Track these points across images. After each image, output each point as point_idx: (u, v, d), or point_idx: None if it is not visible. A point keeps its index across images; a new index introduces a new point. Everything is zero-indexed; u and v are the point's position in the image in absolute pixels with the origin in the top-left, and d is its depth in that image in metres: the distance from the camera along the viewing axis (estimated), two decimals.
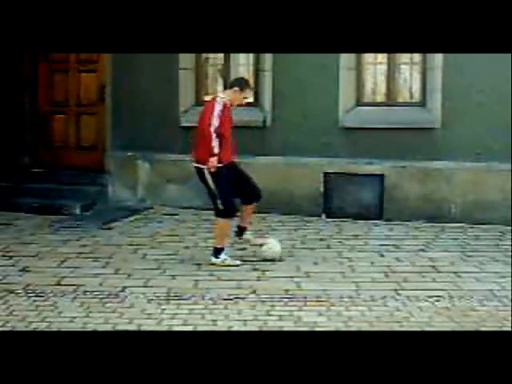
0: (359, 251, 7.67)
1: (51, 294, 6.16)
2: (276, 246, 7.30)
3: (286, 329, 5.36)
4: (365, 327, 5.41)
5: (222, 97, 7.07)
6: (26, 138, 10.66)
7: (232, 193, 7.12)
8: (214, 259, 7.05)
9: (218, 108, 6.90)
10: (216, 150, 6.86)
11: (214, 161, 6.88)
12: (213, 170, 6.90)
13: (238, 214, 7.32)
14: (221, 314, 5.69)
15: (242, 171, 7.33)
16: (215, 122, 6.84)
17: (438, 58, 8.90)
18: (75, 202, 9.63)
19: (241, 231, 7.40)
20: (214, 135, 6.84)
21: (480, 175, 8.91)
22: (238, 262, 7.06)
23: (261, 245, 7.32)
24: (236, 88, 7.09)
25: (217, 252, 7.06)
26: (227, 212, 7.03)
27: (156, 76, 9.80)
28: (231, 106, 7.08)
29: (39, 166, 10.54)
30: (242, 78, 7.55)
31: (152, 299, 6.04)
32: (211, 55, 9.92)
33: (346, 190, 9.26)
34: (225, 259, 7.04)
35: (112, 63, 9.93)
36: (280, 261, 7.23)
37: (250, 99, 7.28)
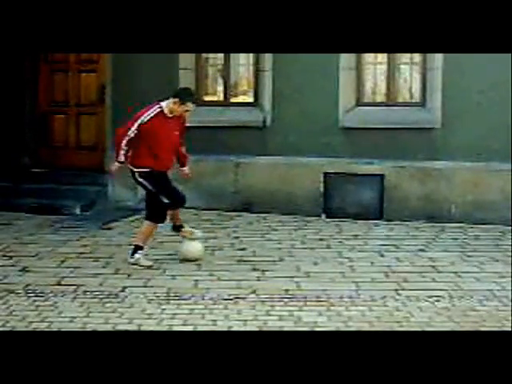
0: (359, 251, 7.67)
1: (51, 294, 6.16)
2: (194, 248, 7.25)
3: (286, 329, 5.36)
4: (365, 327, 5.41)
5: (159, 106, 6.89)
6: (26, 138, 10.66)
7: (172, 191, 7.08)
8: (129, 258, 7.09)
9: (144, 116, 6.82)
10: (121, 158, 6.88)
11: (113, 167, 7.02)
12: (112, 171, 7.06)
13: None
14: (221, 313, 5.69)
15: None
16: (131, 132, 6.80)
17: (438, 58, 8.90)
18: (75, 202, 9.63)
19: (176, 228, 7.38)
20: (123, 143, 6.85)
21: (480, 175, 8.91)
22: (151, 263, 7.04)
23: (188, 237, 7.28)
24: (176, 99, 6.89)
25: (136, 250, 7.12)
26: (173, 205, 7.08)
27: (156, 76, 9.80)
28: (171, 115, 6.91)
29: (39, 166, 10.54)
30: (187, 90, 7.32)
31: (152, 299, 6.04)
32: (211, 55, 9.92)
33: (346, 190, 9.26)
34: (138, 258, 7.05)
35: (112, 63, 9.93)
36: (281, 261, 7.25)
37: (192, 111, 6.94)
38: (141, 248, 7.13)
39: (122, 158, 6.91)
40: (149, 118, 6.85)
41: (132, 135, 6.83)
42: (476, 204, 8.91)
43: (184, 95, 6.99)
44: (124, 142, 6.86)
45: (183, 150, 7.30)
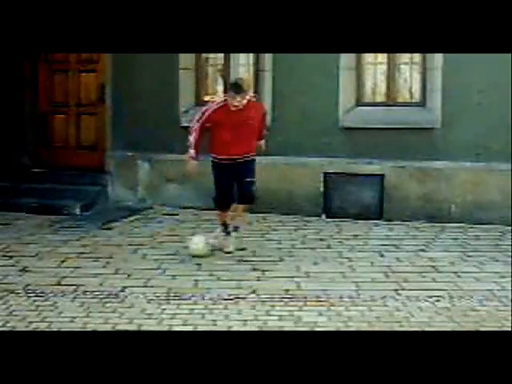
0: (359, 251, 7.67)
1: (51, 294, 6.16)
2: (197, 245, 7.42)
3: (286, 329, 5.36)
4: (365, 327, 5.42)
5: (222, 98, 7.48)
6: (26, 138, 10.66)
7: (225, 187, 7.47)
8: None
9: (209, 108, 7.42)
10: (189, 144, 7.35)
11: (189, 153, 7.35)
12: (188, 161, 7.38)
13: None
14: (221, 314, 5.69)
15: (242, 172, 7.43)
16: (196, 119, 7.38)
17: (437, 58, 8.90)
18: (75, 202, 9.62)
19: (225, 227, 7.65)
20: (191, 130, 7.37)
21: (480, 175, 8.91)
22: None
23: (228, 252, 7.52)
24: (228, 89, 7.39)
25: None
26: (215, 203, 7.61)
27: (156, 76, 9.80)
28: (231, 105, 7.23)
29: (39, 166, 10.53)
30: (234, 81, 7.59)
31: (152, 299, 6.04)
32: (211, 55, 9.91)
33: (346, 190, 9.25)
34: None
35: (112, 63, 9.93)
36: (281, 261, 7.25)
37: (236, 103, 7.20)
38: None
39: (188, 144, 7.45)
40: (214, 107, 7.45)
41: (195, 121, 7.45)
42: (476, 204, 8.91)
43: (229, 86, 7.54)
44: (191, 129, 7.46)
45: None
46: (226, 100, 7.33)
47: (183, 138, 7.64)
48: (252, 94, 7.52)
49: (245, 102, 7.19)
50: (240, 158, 7.38)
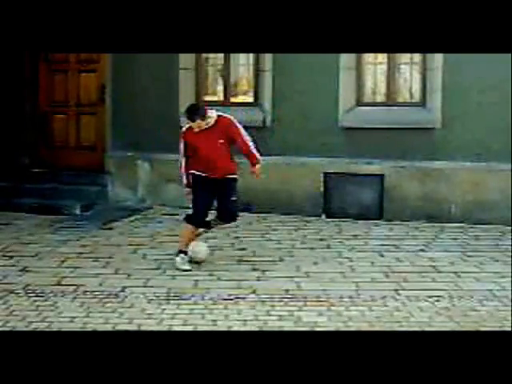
0: (359, 251, 7.67)
1: (51, 294, 6.16)
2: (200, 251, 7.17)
3: (286, 329, 5.36)
4: (365, 327, 5.41)
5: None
6: (26, 138, 10.66)
7: (203, 205, 7.02)
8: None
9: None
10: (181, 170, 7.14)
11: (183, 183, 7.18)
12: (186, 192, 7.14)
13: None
14: (221, 314, 5.69)
15: (225, 190, 7.04)
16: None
17: (438, 58, 8.91)
18: (75, 202, 9.63)
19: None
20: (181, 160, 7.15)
21: (480, 175, 8.91)
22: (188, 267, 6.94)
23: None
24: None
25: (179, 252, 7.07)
26: (192, 220, 7.07)
27: (156, 76, 9.80)
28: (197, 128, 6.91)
29: (39, 166, 10.54)
30: (187, 107, 7.21)
31: (152, 299, 6.04)
32: (211, 55, 9.92)
33: (346, 190, 9.26)
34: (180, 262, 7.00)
35: (112, 63, 9.93)
36: (281, 261, 7.25)
37: (201, 126, 6.88)
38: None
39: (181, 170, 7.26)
40: (182, 134, 7.19)
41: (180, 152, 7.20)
42: (476, 204, 8.91)
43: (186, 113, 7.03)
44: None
45: None
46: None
47: None
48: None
49: (205, 124, 6.86)
50: (218, 178, 6.96)
